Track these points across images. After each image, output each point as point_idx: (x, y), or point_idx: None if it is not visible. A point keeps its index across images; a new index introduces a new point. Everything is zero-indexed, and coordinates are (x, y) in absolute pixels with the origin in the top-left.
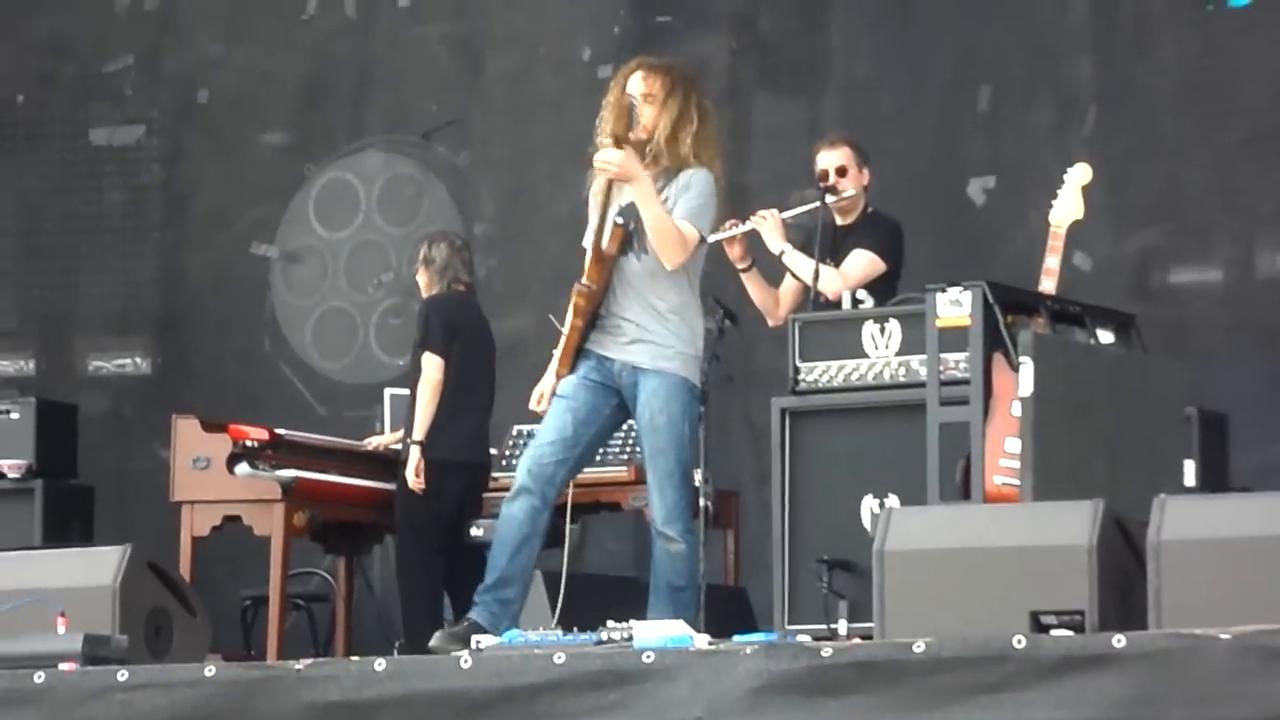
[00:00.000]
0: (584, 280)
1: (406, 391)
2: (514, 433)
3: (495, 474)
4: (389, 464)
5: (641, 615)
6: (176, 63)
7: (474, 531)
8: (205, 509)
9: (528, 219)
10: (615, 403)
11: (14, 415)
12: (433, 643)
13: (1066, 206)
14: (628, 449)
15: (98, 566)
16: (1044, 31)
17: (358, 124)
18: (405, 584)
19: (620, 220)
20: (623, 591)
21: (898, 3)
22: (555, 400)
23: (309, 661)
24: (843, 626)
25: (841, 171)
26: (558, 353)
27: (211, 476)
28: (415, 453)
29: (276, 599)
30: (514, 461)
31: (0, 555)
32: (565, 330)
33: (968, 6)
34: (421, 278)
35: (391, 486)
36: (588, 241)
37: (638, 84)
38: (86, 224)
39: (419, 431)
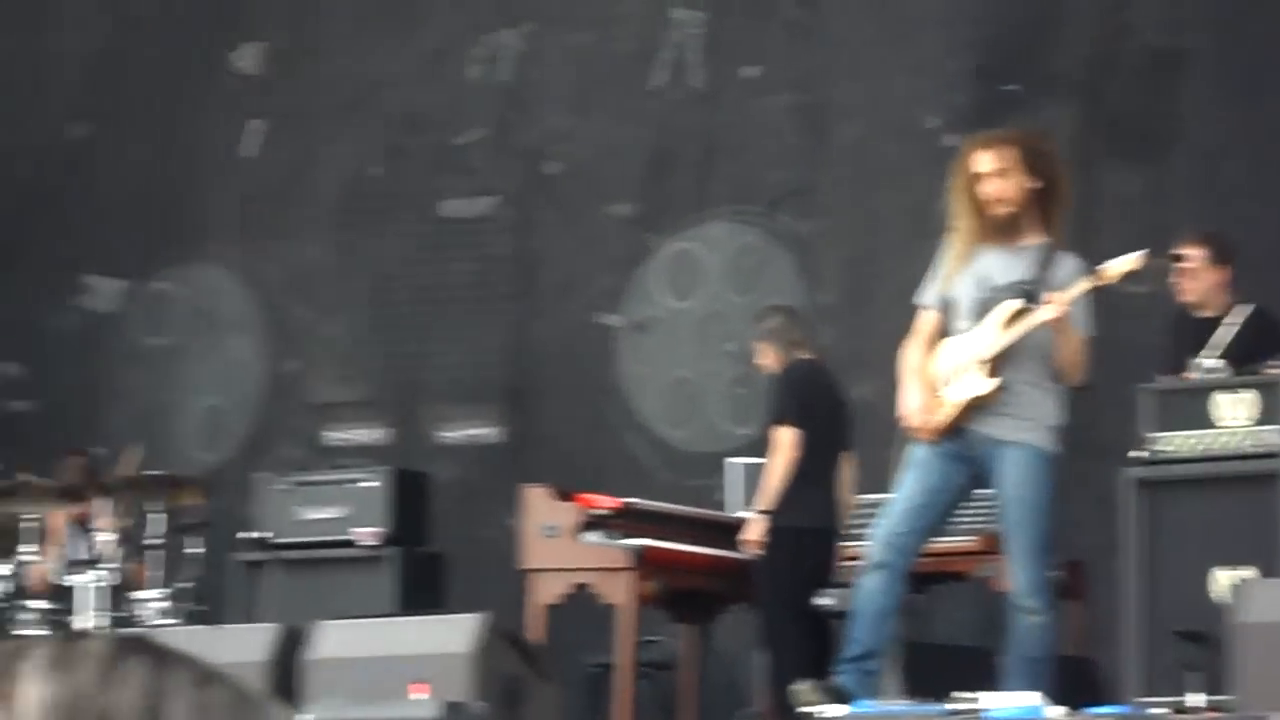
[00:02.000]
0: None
1: (748, 460)
2: (859, 502)
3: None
4: (737, 532)
5: (988, 686)
6: (526, 135)
7: (823, 600)
8: (555, 577)
9: (871, 288)
10: (970, 473)
11: (371, 484)
12: (799, 691)
13: None
14: (975, 518)
15: (455, 634)
16: None
17: (703, 194)
18: (773, 652)
19: (1020, 304)
20: (969, 661)
21: (1248, 70)
22: (910, 469)
23: None
24: (1195, 699)
25: (1188, 272)
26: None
27: (561, 545)
28: (758, 520)
29: (626, 667)
30: (860, 530)
31: (360, 623)
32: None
33: None
34: (763, 350)
35: (739, 555)
36: (927, 299)
37: (987, 161)
38: (437, 294)
39: (765, 501)
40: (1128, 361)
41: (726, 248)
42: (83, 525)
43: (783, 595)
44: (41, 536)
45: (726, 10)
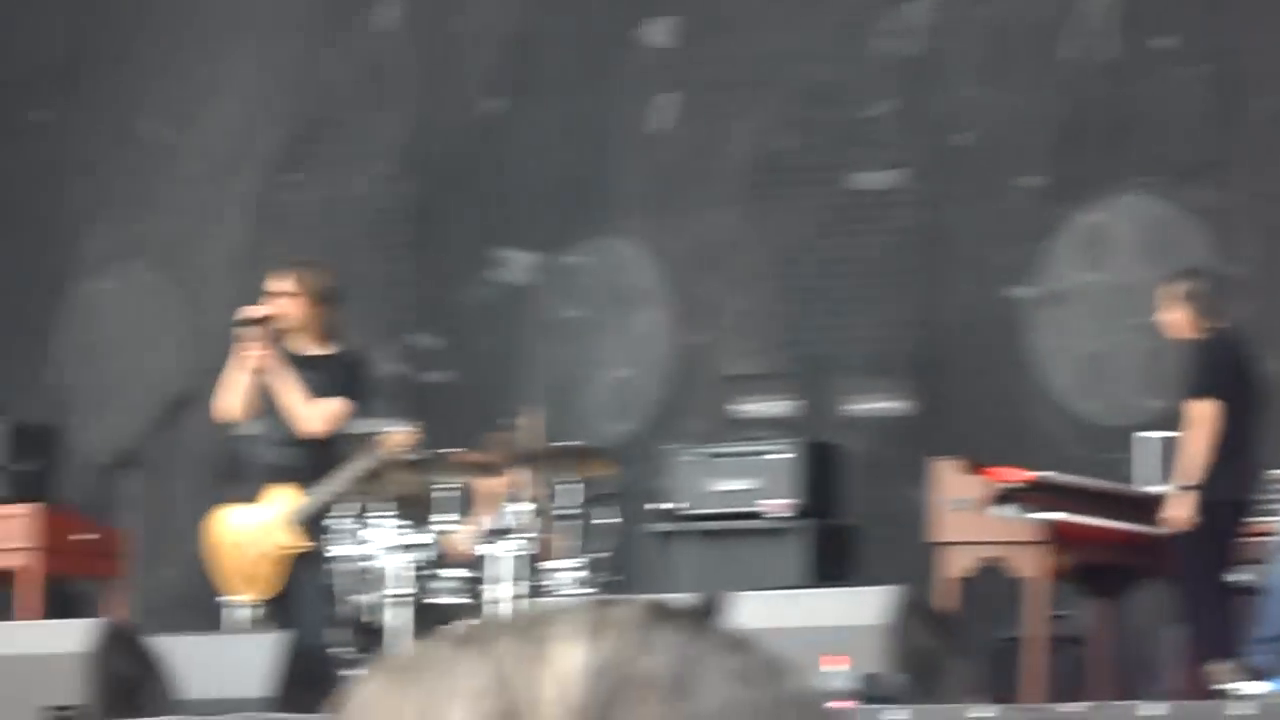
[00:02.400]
0: None
1: (1159, 434)
2: (1271, 476)
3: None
4: (1151, 507)
5: None
6: (935, 106)
7: (1238, 576)
8: (965, 550)
9: None
10: None
11: (781, 456)
12: (1216, 669)
13: None
14: None
15: (871, 606)
16: None
17: (1114, 166)
18: (1192, 627)
19: None
20: None
21: None
22: None
23: (1086, 704)
24: None
25: None
26: None
27: (971, 518)
28: (1184, 495)
29: (1037, 640)
30: (1270, 505)
31: (773, 594)
32: None
33: None
34: (1176, 313)
35: (1152, 530)
36: None
37: None
38: (846, 267)
39: (1190, 476)
40: None
41: (1138, 220)
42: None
43: (1205, 570)
44: (467, 505)
45: None
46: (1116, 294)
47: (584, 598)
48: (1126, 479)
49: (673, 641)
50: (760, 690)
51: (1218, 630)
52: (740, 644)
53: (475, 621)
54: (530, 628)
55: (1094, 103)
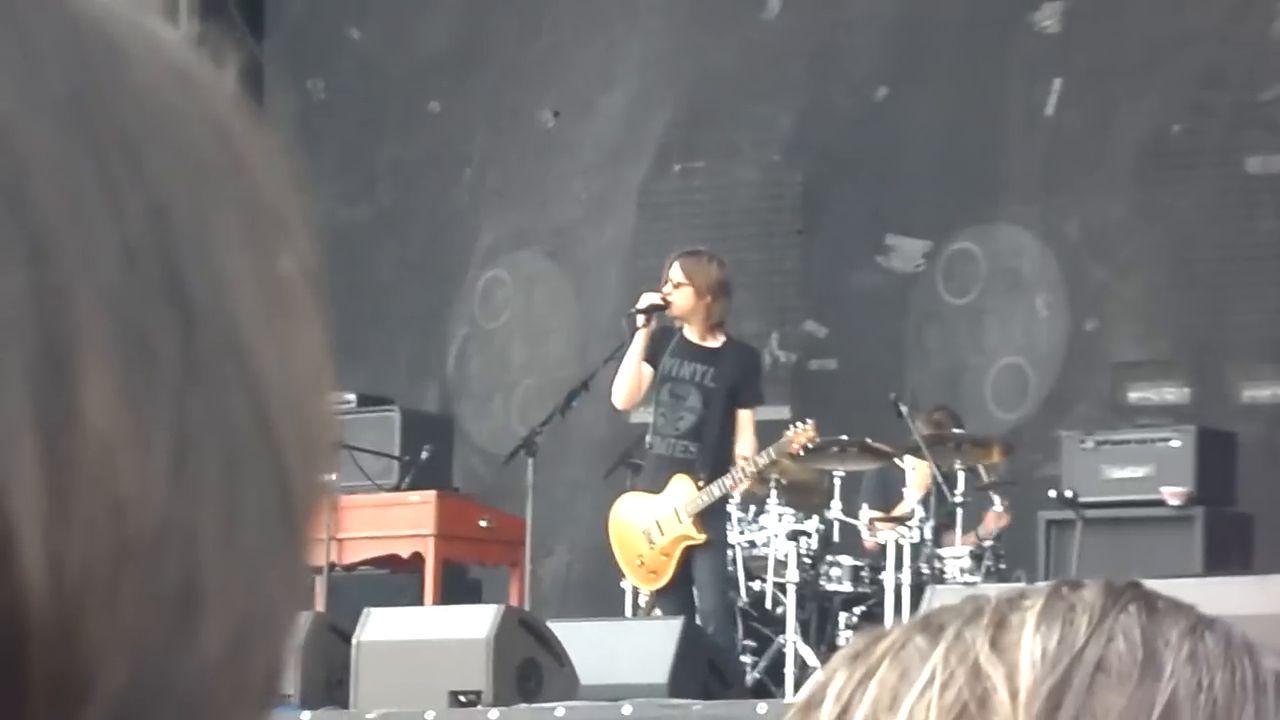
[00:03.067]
0: None
1: None
2: None
3: None
4: None
5: None
6: None
7: None
8: None
9: None
10: None
11: (1175, 443)
12: None
13: None
14: None
15: (1268, 595)
16: None
17: None
18: None
19: None
20: None
21: None
22: None
23: None
24: None
25: None
26: None
27: None
28: None
29: None
30: None
31: (1175, 582)
32: None
33: None
34: None
35: None
36: None
37: None
38: (1240, 252)
39: None
40: None
41: None
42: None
43: None
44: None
45: None
46: None
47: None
48: None
49: (1135, 625)
50: (1227, 673)
51: None
52: (1204, 624)
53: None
54: (991, 614)
55: None
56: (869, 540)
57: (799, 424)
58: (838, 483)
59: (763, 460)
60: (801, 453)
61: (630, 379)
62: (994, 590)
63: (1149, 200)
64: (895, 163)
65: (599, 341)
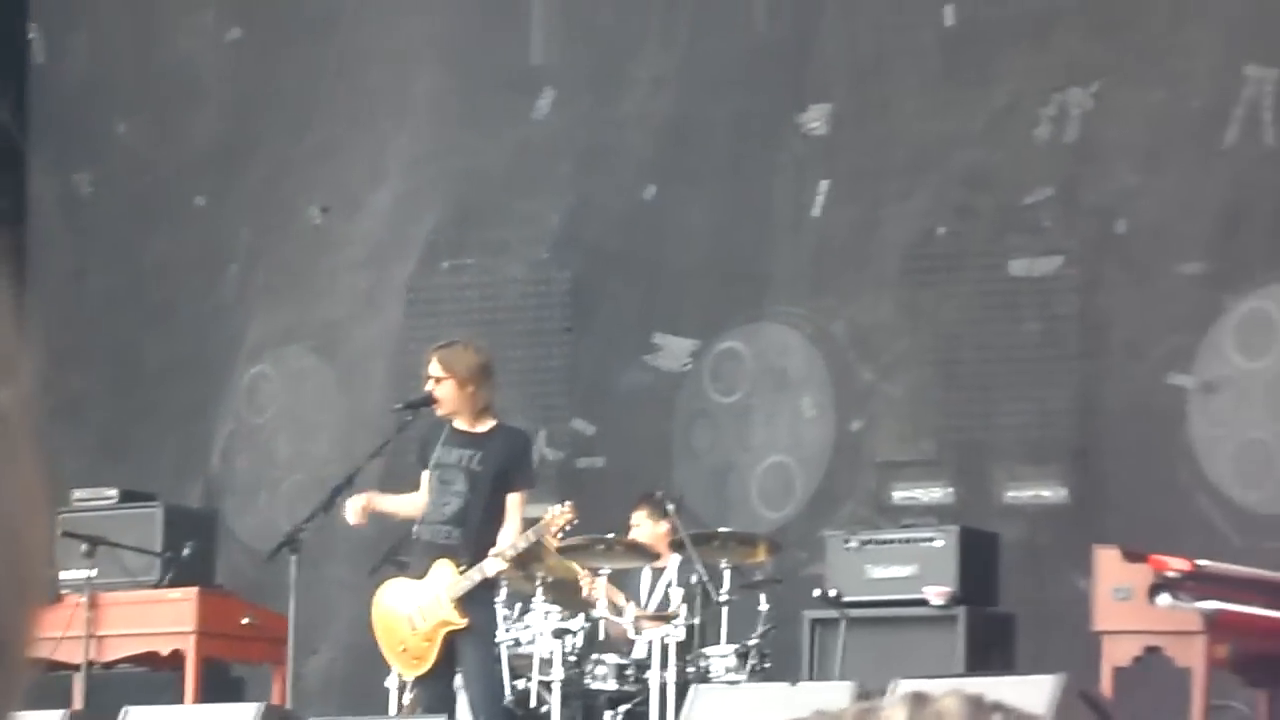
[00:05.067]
0: None
1: None
2: None
3: None
4: None
5: None
6: (1095, 193)
7: None
8: (1126, 639)
9: None
10: None
11: (938, 543)
12: None
13: None
14: None
15: (1032, 694)
16: None
17: (1277, 253)
18: None
19: None
20: None
21: None
22: None
23: None
24: None
25: None
26: None
27: (1132, 607)
28: None
29: None
30: None
31: (937, 682)
32: None
33: None
34: None
35: None
36: None
37: None
38: (1004, 353)
39: None
40: None
41: None
42: (653, 579)
43: None
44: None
45: None
46: (1277, 382)
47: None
48: None
49: None
50: None
51: None
52: None
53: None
54: None
55: (1255, 189)
56: (622, 634)
57: (558, 506)
58: (603, 581)
59: (522, 543)
60: (560, 535)
61: (411, 503)
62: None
63: (914, 301)
64: (663, 261)
65: (365, 437)
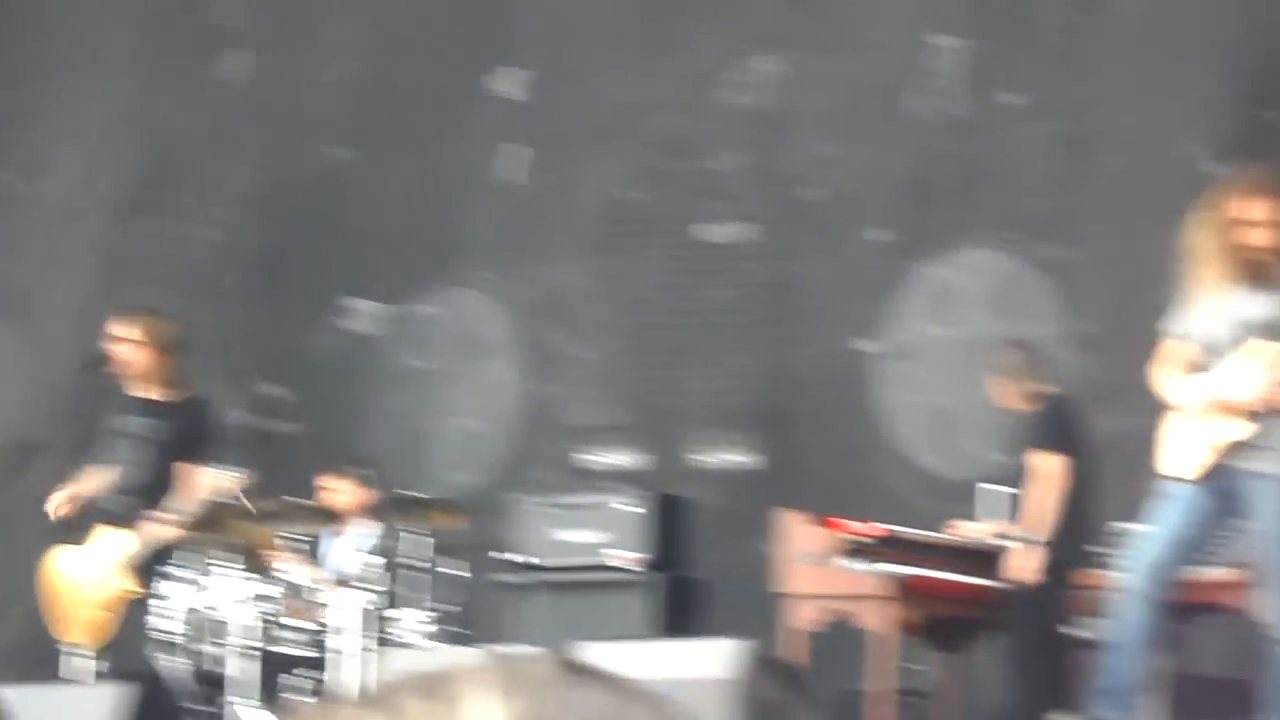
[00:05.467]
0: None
1: (1002, 488)
2: (1114, 531)
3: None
4: (995, 560)
5: (1250, 718)
6: (785, 160)
7: (1075, 630)
8: (812, 603)
9: (1133, 318)
10: (1226, 505)
11: (629, 508)
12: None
13: None
14: (1235, 548)
15: (717, 659)
16: None
17: (963, 221)
18: (1017, 681)
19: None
20: (1231, 694)
21: None
22: (1167, 501)
23: None
24: None
25: None
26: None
27: (819, 571)
28: (1038, 551)
29: (884, 694)
30: (1114, 560)
31: (620, 646)
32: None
33: None
34: (1007, 382)
35: (1000, 584)
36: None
37: (1261, 210)
38: (694, 319)
39: (1045, 531)
40: None
41: (986, 274)
42: (344, 544)
43: (1046, 623)
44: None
45: (988, 37)
46: (963, 349)
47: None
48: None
49: (598, 698)
50: None
51: (1058, 683)
52: (663, 701)
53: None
54: (439, 687)
55: (943, 158)
56: (311, 601)
57: (230, 472)
58: (293, 546)
59: (199, 510)
60: (241, 501)
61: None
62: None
63: (607, 267)
64: (355, 225)
65: (52, 399)
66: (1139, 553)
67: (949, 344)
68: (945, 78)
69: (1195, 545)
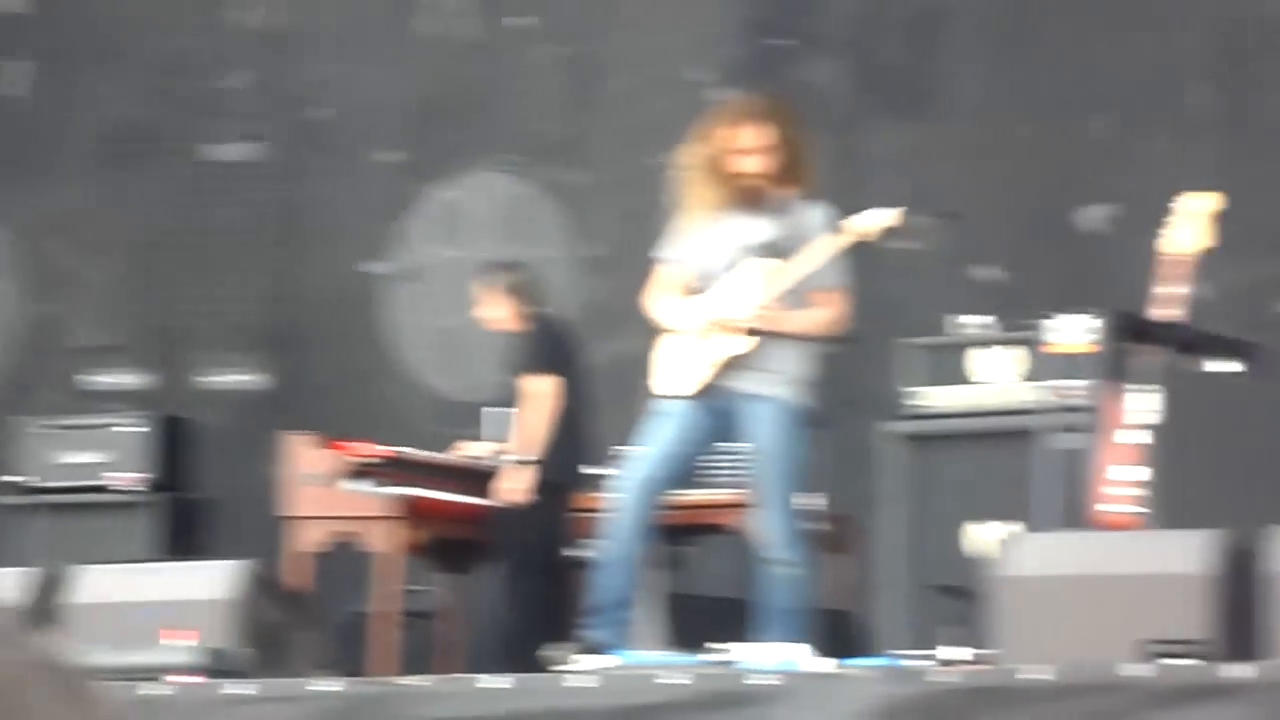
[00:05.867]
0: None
1: (505, 409)
2: (614, 453)
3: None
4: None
5: (746, 638)
6: (293, 80)
7: (576, 552)
8: (318, 525)
9: (641, 241)
10: (718, 425)
11: (133, 429)
12: (548, 654)
13: (1191, 235)
14: (735, 471)
15: (216, 580)
16: (1162, 58)
17: (472, 143)
18: (512, 602)
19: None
20: (730, 614)
21: (1014, 28)
22: (657, 418)
23: (432, 678)
24: (953, 652)
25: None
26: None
27: (324, 493)
28: (527, 471)
29: (385, 615)
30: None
31: (122, 568)
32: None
33: (1084, 32)
34: (501, 305)
35: (495, 504)
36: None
37: (749, 137)
38: (201, 240)
39: (534, 451)
40: (893, 316)
41: (495, 197)
42: None
43: (539, 545)
44: None
45: None
46: (472, 271)
47: None
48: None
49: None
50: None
51: (558, 605)
52: (76, 676)
53: None
54: None
55: (452, 80)
56: None
57: None
58: None
59: None
60: None
61: None
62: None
63: (111, 185)
64: None
65: None
66: (629, 470)
67: (457, 266)
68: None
69: (687, 463)
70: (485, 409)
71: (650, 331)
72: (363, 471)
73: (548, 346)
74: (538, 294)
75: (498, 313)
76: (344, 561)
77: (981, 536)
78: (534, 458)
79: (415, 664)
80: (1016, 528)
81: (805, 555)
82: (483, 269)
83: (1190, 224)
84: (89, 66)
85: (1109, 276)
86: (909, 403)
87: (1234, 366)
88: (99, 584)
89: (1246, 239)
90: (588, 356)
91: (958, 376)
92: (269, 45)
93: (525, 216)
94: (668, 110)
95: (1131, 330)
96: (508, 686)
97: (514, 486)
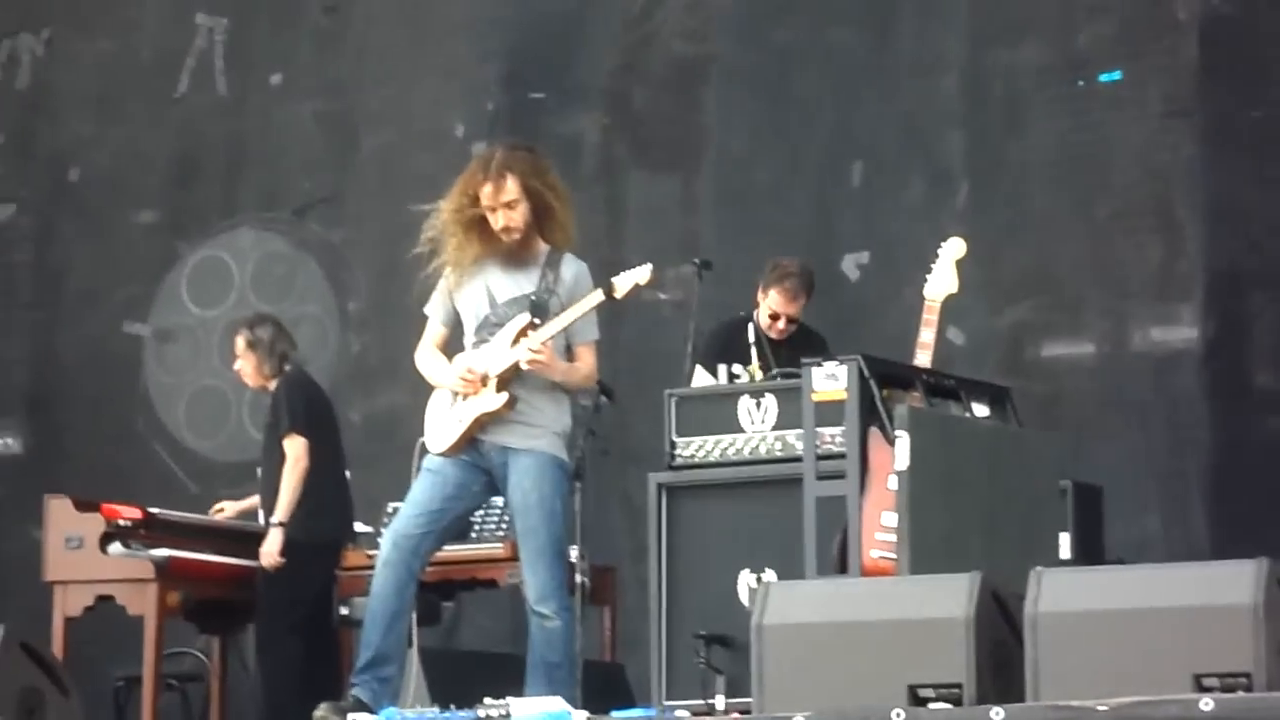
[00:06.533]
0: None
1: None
2: (389, 510)
3: (369, 551)
4: (257, 543)
5: (518, 692)
6: (47, 141)
7: (342, 610)
8: (78, 589)
9: (401, 295)
10: (484, 480)
11: None
12: (318, 714)
13: (941, 281)
14: (503, 526)
15: None
16: (916, 108)
17: (230, 202)
18: (266, 664)
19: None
20: (499, 668)
21: (771, 80)
22: (422, 474)
23: None
24: (720, 701)
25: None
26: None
27: (84, 556)
28: (278, 534)
29: (150, 679)
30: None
31: None
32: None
33: (840, 84)
34: (247, 361)
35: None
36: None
37: (491, 195)
38: None
39: (283, 513)
40: (660, 368)
41: (254, 255)
42: None
43: (279, 608)
44: None
45: (251, 16)
46: (231, 330)
47: None
48: (251, 515)
49: None
50: None
51: (313, 666)
52: None
53: None
54: None
55: (208, 138)
56: None
57: None
58: None
59: None
60: None
61: None
62: None
63: None
64: None
65: None
66: (393, 526)
67: (216, 325)
68: (208, 57)
69: (453, 518)
70: (260, 468)
71: (418, 386)
72: (122, 533)
73: (297, 403)
74: (283, 349)
75: (245, 368)
76: (106, 624)
77: (750, 585)
78: (283, 519)
79: None
80: (771, 576)
81: (567, 607)
82: (229, 325)
83: (946, 269)
84: None
85: (870, 323)
86: (677, 453)
87: (984, 411)
88: None
89: (1000, 284)
90: (341, 412)
91: (723, 426)
92: (24, 106)
93: (284, 273)
94: (427, 163)
95: (883, 376)
96: None
97: (267, 549)
